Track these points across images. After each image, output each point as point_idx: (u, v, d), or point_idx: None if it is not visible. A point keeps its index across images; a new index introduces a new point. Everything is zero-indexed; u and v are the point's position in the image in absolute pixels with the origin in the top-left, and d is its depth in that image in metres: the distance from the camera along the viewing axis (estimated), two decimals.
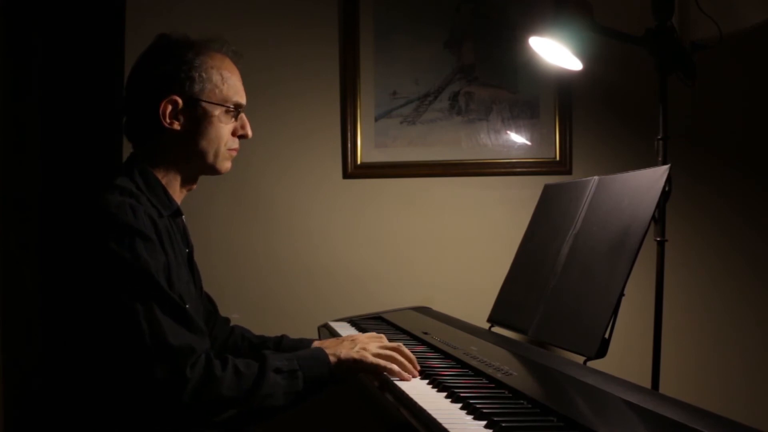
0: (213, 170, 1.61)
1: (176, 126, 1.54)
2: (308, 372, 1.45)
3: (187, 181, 1.62)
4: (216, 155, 1.58)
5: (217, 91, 1.56)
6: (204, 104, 1.55)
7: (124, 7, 2.62)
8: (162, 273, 1.39)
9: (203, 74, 1.55)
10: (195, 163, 1.58)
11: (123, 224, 1.38)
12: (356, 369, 1.50)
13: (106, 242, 1.36)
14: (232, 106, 1.58)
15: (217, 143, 1.57)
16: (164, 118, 1.53)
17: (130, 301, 1.33)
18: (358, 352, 1.50)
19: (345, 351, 1.51)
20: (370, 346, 1.53)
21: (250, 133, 1.63)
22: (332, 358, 1.49)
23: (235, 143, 1.62)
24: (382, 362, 1.48)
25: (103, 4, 2.80)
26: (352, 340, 1.58)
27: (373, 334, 1.66)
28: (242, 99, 1.61)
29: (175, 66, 1.54)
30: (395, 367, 1.48)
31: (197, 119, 1.55)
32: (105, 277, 1.36)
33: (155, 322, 1.33)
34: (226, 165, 1.61)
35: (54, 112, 2.88)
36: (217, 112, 1.56)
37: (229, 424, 1.40)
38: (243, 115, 1.62)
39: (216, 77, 1.57)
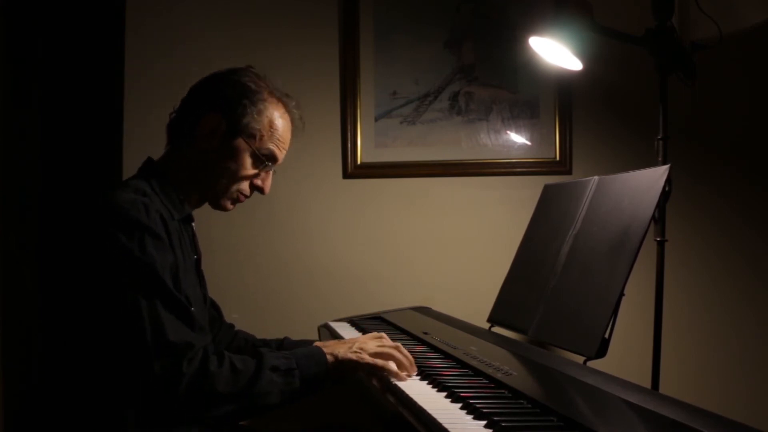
0: (213, 202, 1.62)
1: (205, 144, 1.55)
2: (305, 371, 1.44)
3: (197, 201, 1.63)
4: (224, 191, 1.59)
5: (258, 135, 1.57)
6: (241, 140, 1.56)
7: (124, 7, 2.62)
8: (168, 271, 1.40)
9: (257, 115, 1.56)
10: (202, 187, 1.59)
11: (134, 220, 1.38)
12: (353, 369, 1.49)
13: (116, 236, 1.36)
14: (264, 157, 1.58)
15: (230, 181, 1.58)
16: (200, 130, 1.55)
17: (134, 297, 1.34)
18: (355, 352, 1.50)
19: (343, 351, 1.50)
20: (368, 345, 1.52)
21: (266, 190, 1.63)
22: (329, 358, 1.48)
23: (247, 190, 1.61)
24: (380, 362, 1.48)
25: (103, 4, 2.80)
26: (353, 341, 1.57)
27: (375, 333, 1.64)
28: (279, 155, 1.61)
29: (239, 93, 1.56)
30: (392, 366, 1.48)
31: (227, 149, 1.56)
32: (111, 271, 1.36)
33: (157, 319, 1.34)
34: (227, 204, 1.62)
35: (54, 112, 2.88)
36: (248, 154, 1.57)
37: (224, 420, 1.40)
38: (270, 172, 1.63)
39: (266, 123, 1.58)
